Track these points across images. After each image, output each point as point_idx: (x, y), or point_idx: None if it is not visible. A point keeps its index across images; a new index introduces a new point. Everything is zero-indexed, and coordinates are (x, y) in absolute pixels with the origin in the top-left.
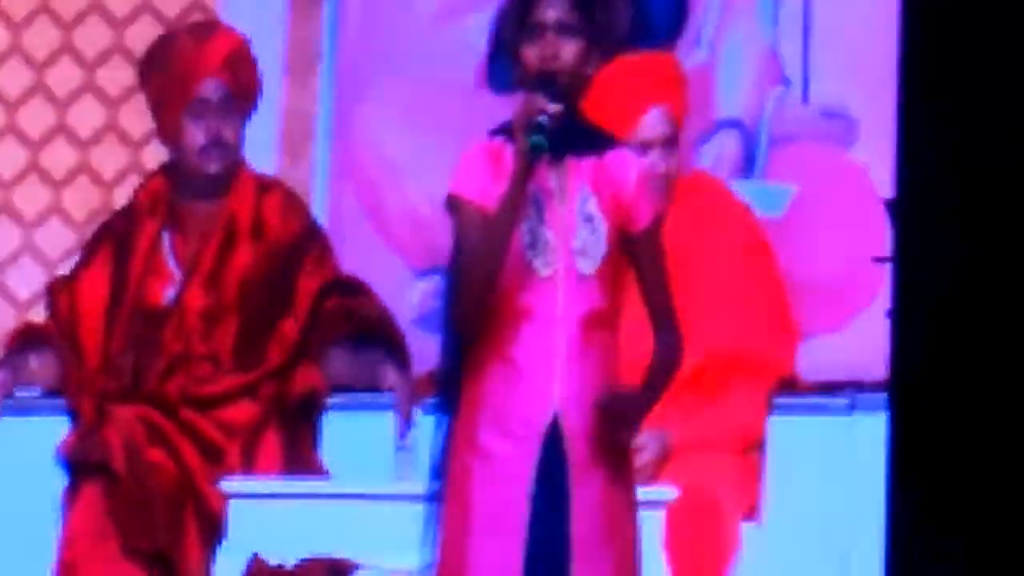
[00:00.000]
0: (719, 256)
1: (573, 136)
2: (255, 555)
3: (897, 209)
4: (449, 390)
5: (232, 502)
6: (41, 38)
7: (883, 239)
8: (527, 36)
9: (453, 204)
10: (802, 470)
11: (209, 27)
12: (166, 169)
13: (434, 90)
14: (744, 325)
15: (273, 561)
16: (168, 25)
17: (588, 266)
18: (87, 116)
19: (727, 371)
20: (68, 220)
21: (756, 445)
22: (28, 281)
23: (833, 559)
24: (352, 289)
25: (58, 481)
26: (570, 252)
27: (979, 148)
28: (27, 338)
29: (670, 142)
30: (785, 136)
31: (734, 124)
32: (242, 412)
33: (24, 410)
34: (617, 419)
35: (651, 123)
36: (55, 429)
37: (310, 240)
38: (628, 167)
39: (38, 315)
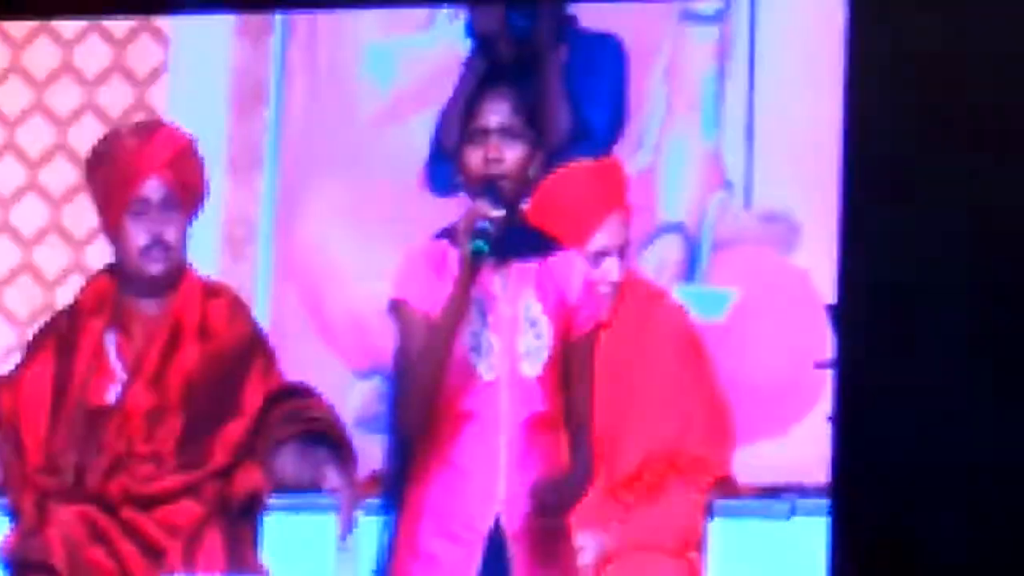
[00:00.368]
0: (655, 359)
1: (517, 240)
2: None
3: (838, 314)
4: (392, 492)
5: None
6: None
7: (825, 344)
8: (470, 140)
9: (396, 308)
10: (743, 574)
11: (152, 126)
12: (111, 268)
13: (376, 192)
14: (680, 427)
15: None
16: (111, 124)
17: (532, 369)
18: (30, 215)
19: (664, 473)
20: (10, 318)
21: (695, 546)
22: None
23: None
24: (299, 392)
25: None
26: (514, 356)
27: (920, 254)
28: None
29: (624, 249)
30: (727, 240)
31: (676, 228)
32: (184, 512)
33: None
34: (549, 505)
35: (609, 232)
36: None
37: (256, 346)
38: (572, 271)
39: None
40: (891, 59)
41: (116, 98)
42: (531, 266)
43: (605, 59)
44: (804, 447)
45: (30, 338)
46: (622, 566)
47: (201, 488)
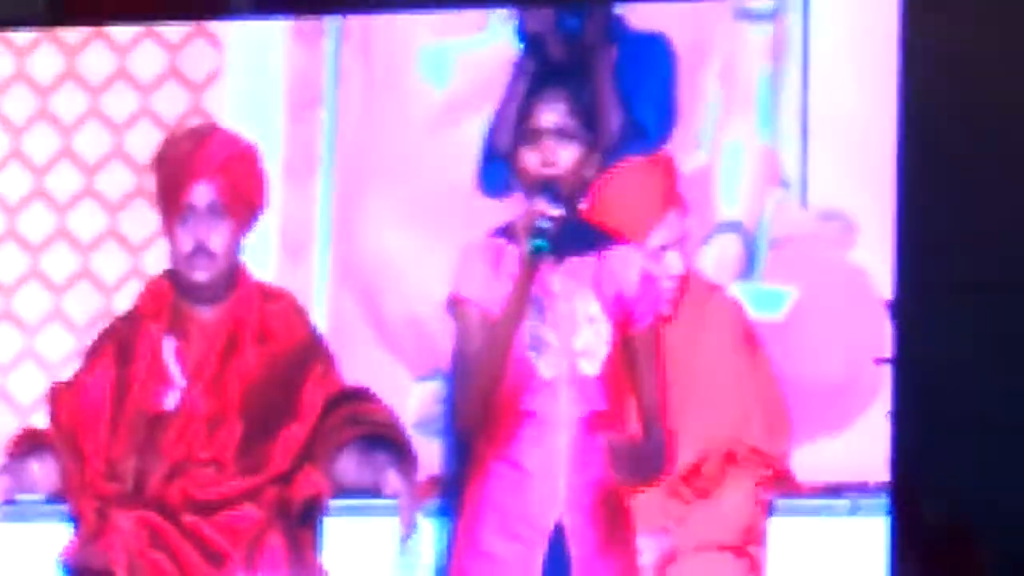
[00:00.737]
0: (712, 353)
1: (574, 237)
2: None
3: (897, 310)
4: (452, 493)
5: None
6: (41, 143)
7: (883, 341)
8: (525, 141)
9: (454, 306)
10: (804, 573)
11: (207, 131)
12: (168, 274)
13: (433, 193)
14: (738, 421)
15: None
16: (167, 130)
17: (591, 367)
18: (87, 221)
19: (723, 467)
20: (69, 324)
21: (756, 540)
22: (29, 386)
23: None
24: (359, 396)
25: None
26: (573, 354)
27: (977, 249)
28: (28, 443)
29: (683, 242)
30: (784, 238)
31: (734, 226)
32: (245, 517)
33: (26, 516)
34: (627, 464)
35: (668, 227)
36: (57, 535)
37: (314, 350)
38: (629, 267)
39: (39, 420)
40: (946, 54)
41: (171, 104)
42: (588, 263)
43: (655, 59)
44: (864, 445)
45: (89, 344)
46: (684, 564)
47: (261, 493)
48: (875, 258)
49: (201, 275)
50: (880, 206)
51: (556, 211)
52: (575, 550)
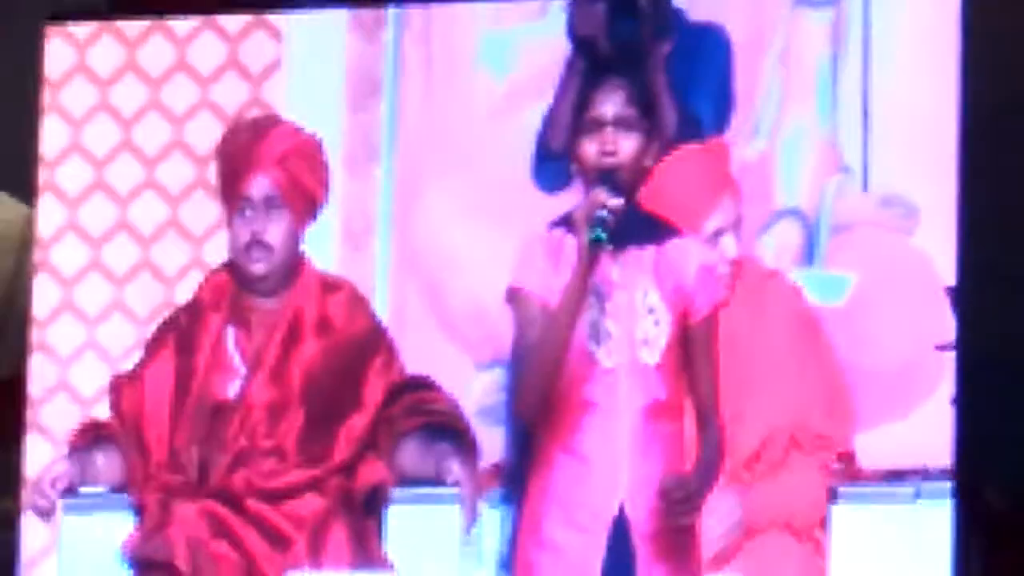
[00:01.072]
0: (772, 337)
1: (634, 227)
2: None
3: (959, 296)
4: (514, 483)
5: None
6: (101, 135)
7: (945, 326)
8: (584, 131)
9: (514, 297)
10: (867, 559)
11: (269, 123)
12: (229, 265)
13: (494, 182)
14: (800, 404)
15: None
16: (227, 122)
17: (651, 357)
18: (149, 212)
19: (786, 450)
20: (130, 316)
21: (819, 525)
22: (91, 377)
23: None
24: (420, 385)
25: None
26: (633, 343)
27: None
28: (91, 435)
29: (738, 225)
30: (845, 224)
31: (794, 213)
32: (308, 506)
33: (90, 508)
34: (677, 502)
35: (723, 211)
36: (121, 526)
37: (376, 339)
38: (688, 257)
39: (102, 412)
40: (1010, 37)
41: (231, 95)
42: (648, 253)
43: (709, 49)
44: (927, 430)
45: (150, 336)
46: (749, 550)
47: (324, 483)
48: (937, 244)
49: (258, 267)
50: (942, 191)
51: (615, 201)
52: (638, 539)
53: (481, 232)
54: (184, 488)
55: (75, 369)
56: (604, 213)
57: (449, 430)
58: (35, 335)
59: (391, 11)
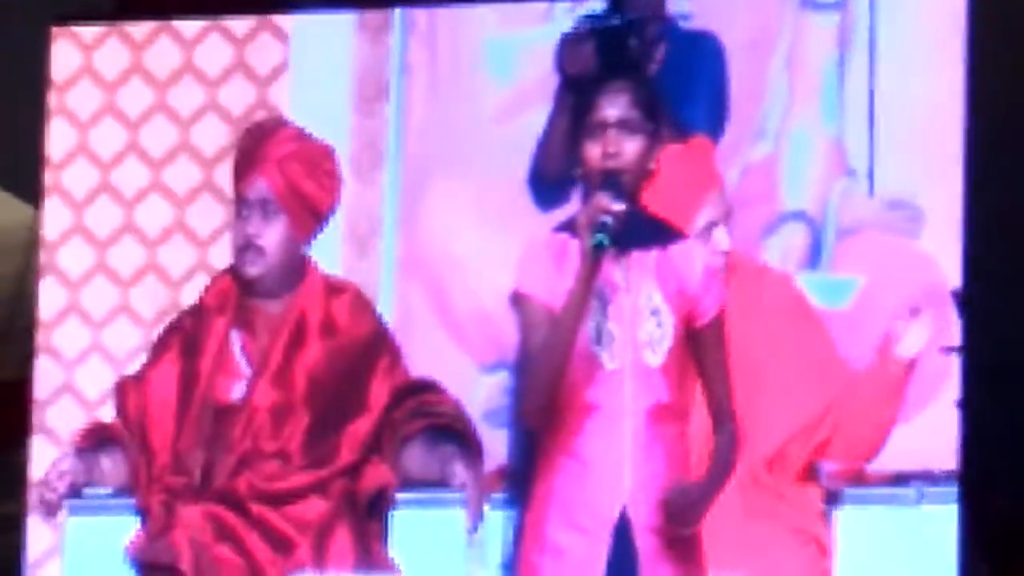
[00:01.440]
0: (771, 332)
1: (637, 230)
2: None
3: (965, 299)
4: (519, 485)
5: None
6: (108, 137)
7: (951, 329)
8: (589, 134)
9: (518, 301)
10: (871, 562)
11: (273, 126)
12: (233, 268)
13: (498, 185)
14: (810, 402)
15: None
16: (233, 124)
17: (654, 359)
18: (155, 215)
19: (810, 452)
20: (136, 318)
21: (824, 526)
22: (97, 380)
23: None
24: (425, 387)
25: None
26: (636, 345)
27: None
28: (96, 437)
29: (728, 217)
30: (851, 227)
31: (800, 216)
32: (312, 509)
33: (94, 510)
34: (681, 513)
35: (712, 204)
36: (125, 528)
37: (381, 342)
38: (693, 260)
39: (107, 414)
40: (1015, 40)
41: (238, 97)
42: (651, 256)
43: (702, 58)
44: (932, 433)
45: (156, 338)
46: (757, 546)
47: (328, 486)
48: (942, 247)
49: (251, 270)
50: (947, 194)
51: (618, 206)
52: (640, 542)
53: (486, 236)
54: (188, 491)
55: (80, 371)
56: (606, 218)
57: (453, 433)
58: (41, 337)
59: (397, 13)
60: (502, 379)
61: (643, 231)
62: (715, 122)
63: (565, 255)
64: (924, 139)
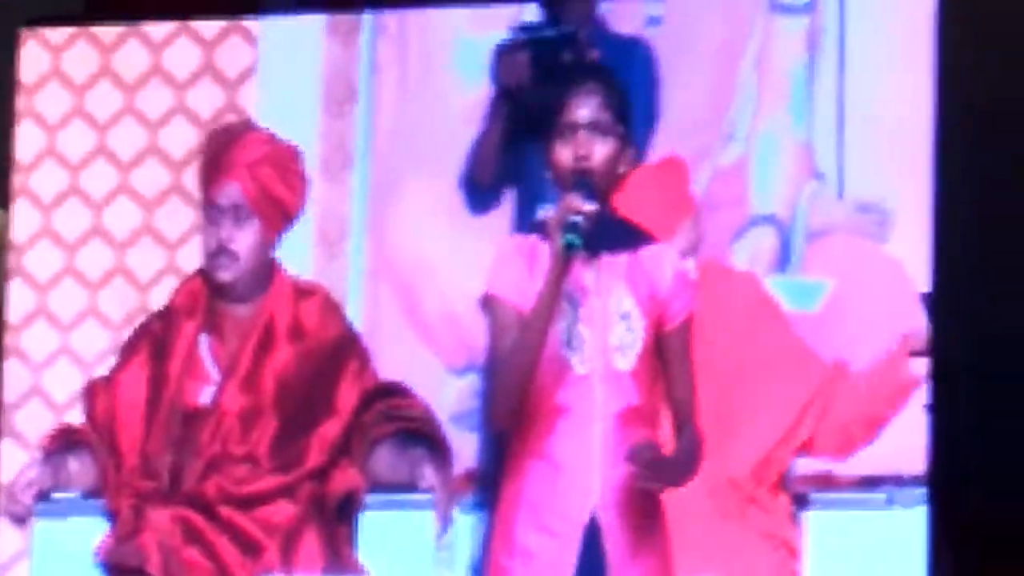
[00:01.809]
0: (742, 333)
1: (608, 233)
2: None
3: (933, 303)
4: (488, 488)
5: None
6: (76, 140)
7: (920, 333)
8: (559, 136)
9: (488, 303)
10: (841, 565)
11: (243, 130)
12: (203, 271)
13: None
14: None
15: None
16: (202, 127)
17: (624, 363)
18: (123, 217)
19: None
20: (104, 321)
21: (794, 531)
22: (65, 383)
23: None
24: (394, 391)
25: None
26: (606, 349)
27: (1013, 240)
28: (64, 440)
29: (697, 248)
30: (820, 230)
31: (769, 219)
32: (280, 512)
33: (63, 513)
34: (648, 467)
35: (687, 232)
36: (94, 531)
37: (350, 345)
38: (663, 263)
39: (75, 417)
40: (983, 43)
41: (206, 100)
42: (621, 259)
43: (634, 63)
44: (901, 437)
45: (125, 341)
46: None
47: (297, 489)
48: (911, 250)
49: (224, 275)
50: (916, 197)
51: (589, 206)
52: (610, 545)
53: (455, 238)
54: (157, 494)
55: (49, 374)
56: (577, 218)
57: (423, 436)
58: (9, 340)
59: (366, 16)
60: (472, 382)
61: (614, 234)
62: (647, 126)
63: (536, 258)
64: (893, 142)
